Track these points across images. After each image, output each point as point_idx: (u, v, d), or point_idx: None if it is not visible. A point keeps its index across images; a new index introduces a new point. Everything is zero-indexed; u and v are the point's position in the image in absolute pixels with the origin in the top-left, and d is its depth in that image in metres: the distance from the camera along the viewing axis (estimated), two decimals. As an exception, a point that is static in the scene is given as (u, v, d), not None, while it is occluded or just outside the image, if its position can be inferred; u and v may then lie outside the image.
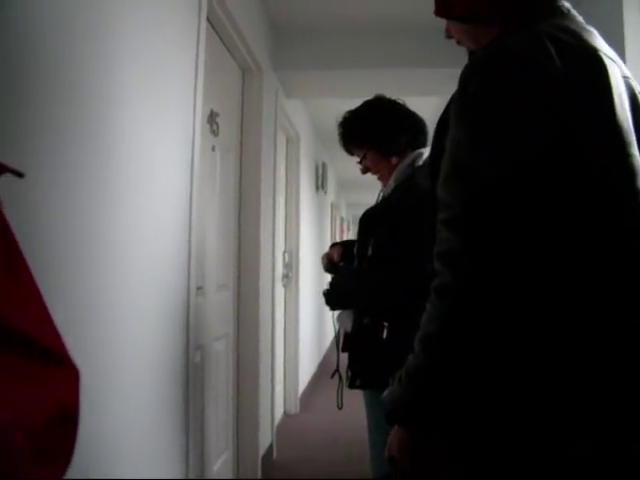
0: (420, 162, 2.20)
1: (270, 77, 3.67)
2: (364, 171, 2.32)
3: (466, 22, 1.24)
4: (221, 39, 2.90)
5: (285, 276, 5.12)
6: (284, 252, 5.11)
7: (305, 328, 5.68)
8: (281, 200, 5.02)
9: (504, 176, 0.99)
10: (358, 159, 2.31)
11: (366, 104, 2.31)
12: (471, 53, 1.25)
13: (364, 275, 2.16)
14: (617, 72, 1.11)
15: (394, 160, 2.22)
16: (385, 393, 1.12)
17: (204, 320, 2.58)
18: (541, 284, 1.00)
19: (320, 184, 6.85)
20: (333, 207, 9.30)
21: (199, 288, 2.52)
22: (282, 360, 5.08)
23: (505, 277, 0.98)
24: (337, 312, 2.27)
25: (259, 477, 3.40)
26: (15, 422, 0.53)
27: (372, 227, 2.16)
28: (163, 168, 2.05)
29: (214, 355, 2.87)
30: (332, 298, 2.23)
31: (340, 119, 2.33)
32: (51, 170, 1.38)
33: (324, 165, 7.04)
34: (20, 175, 0.71)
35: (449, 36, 1.32)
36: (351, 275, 2.25)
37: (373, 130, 2.23)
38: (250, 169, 3.42)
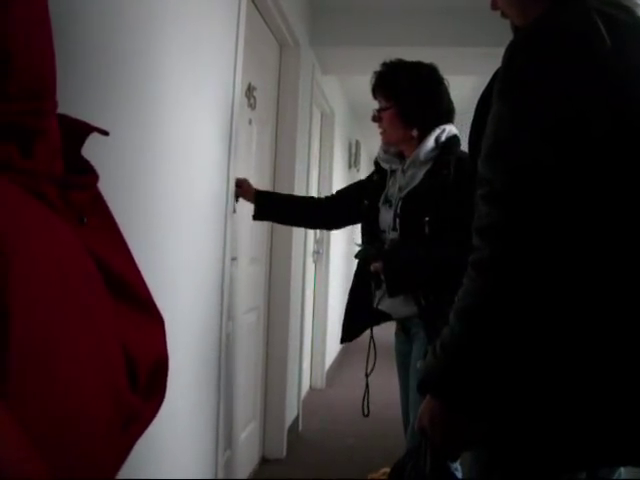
0: (443, 137, 2.15)
1: (307, 53, 3.66)
2: (375, 119, 2.25)
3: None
4: (260, 13, 2.90)
5: (316, 252, 5.13)
6: (315, 227, 5.13)
7: (334, 304, 5.71)
8: (314, 176, 5.03)
9: (545, 154, 0.98)
10: (378, 105, 2.23)
11: (417, 63, 2.21)
12: (516, 29, 1.23)
13: (427, 255, 2.07)
14: None
15: (414, 132, 2.16)
16: (419, 363, 1.13)
17: (237, 291, 2.61)
18: (577, 265, 1.00)
19: (353, 162, 6.83)
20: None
21: (233, 259, 2.56)
22: (310, 335, 5.13)
23: (542, 254, 0.98)
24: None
25: (284, 448, 3.46)
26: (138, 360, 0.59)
27: (427, 204, 2.10)
28: (202, 139, 2.08)
29: (245, 326, 2.92)
30: (394, 284, 2.11)
31: (389, 60, 2.22)
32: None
33: (357, 143, 7.01)
34: (106, 134, 0.74)
35: (495, 7, 1.28)
36: (411, 256, 2.12)
37: (413, 90, 2.14)
38: (285, 144, 3.44)
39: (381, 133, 2.26)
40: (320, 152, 5.21)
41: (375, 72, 2.24)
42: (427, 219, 2.04)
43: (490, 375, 1.03)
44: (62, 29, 1.25)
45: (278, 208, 2.59)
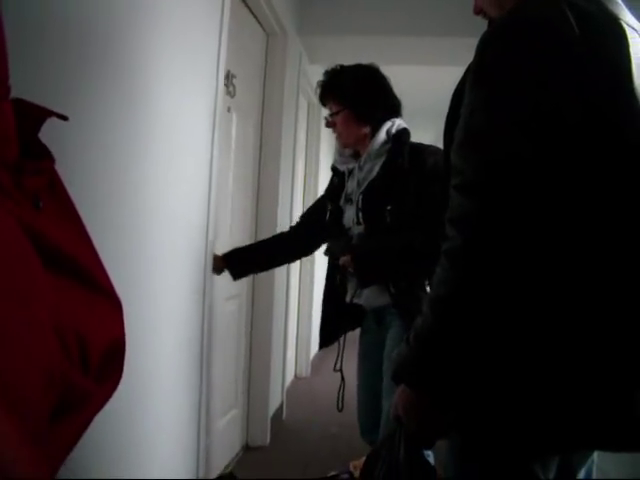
0: (394, 130, 2.21)
1: (294, 42, 3.65)
2: (329, 125, 2.30)
3: None
4: (246, 2, 2.89)
5: (301, 241, 5.12)
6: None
7: (320, 294, 5.71)
8: (300, 165, 5.03)
9: (518, 144, 0.99)
10: (330, 111, 2.28)
11: (359, 65, 2.30)
12: (490, 21, 1.25)
13: (392, 241, 2.11)
14: (639, 42, 1.10)
15: (366, 130, 2.22)
16: (393, 353, 1.15)
17: (219, 278, 2.61)
18: (549, 256, 1.01)
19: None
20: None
21: (215, 246, 2.56)
22: (295, 324, 5.14)
23: (514, 245, 0.99)
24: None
25: (268, 436, 3.48)
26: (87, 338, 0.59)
27: (386, 194, 2.15)
28: (186, 125, 2.08)
29: (228, 314, 2.93)
30: (366, 275, 2.16)
31: (329, 68, 2.30)
32: (78, 118, 1.41)
33: (345, 133, 6.99)
34: (65, 118, 0.74)
35: (478, 12, 1.31)
36: (377, 246, 2.16)
37: (357, 90, 2.22)
38: (271, 132, 3.43)
39: (337, 137, 2.31)
40: (307, 142, 5.21)
41: (319, 82, 2.31)
42: (388, 208, 2.08)
43: (463, 363, 1.05)
44: (35, 13, 1.25)
45: (250, 262, 2.61)
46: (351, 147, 2.29)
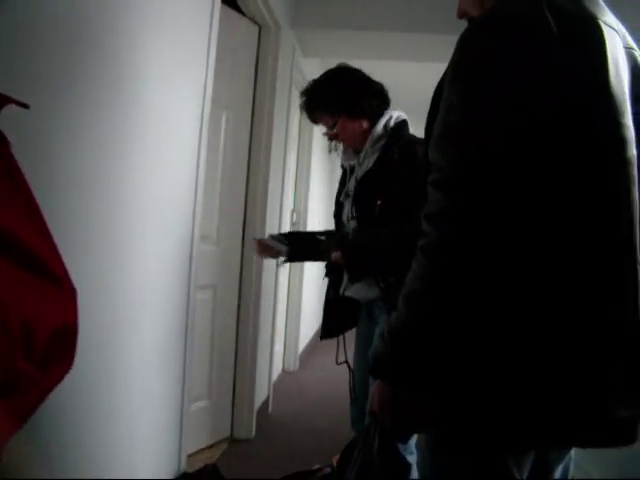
0: (392, 123, 2.23)
1: (287, 35, 3.64)
2: (332, 137, 2.31)
3: None
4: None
5: (292, 236, 5.13)
6: (292, 211, 5.12)
7: (309, 288, 5.72)
8: (292, 159, 5.03)
9: (494, 140, 1.00)
10: (325, 127, 2.30)
11: (329, 71, 2.33)
12: (470, 20, 1.26)
13: (381, 235, 2.11)
14: (617, 41, 1.12)
15: (365, 124, 2.23)
16: (370, 349, 1.15)
17: (207, 268, 2.61)
18: (524, 252, 1.02)
19: (333, 146, 6.81)
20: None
21: (204, 237, 2.56)
22: (284, 318, 5.15)
23: (489, 240, 1.00)
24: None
25: (253, 429, 3.48)
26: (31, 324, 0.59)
27: (377, 188, 2.16)
28: (174, 118, 2.08)
29: (212, 304, 2.93)
30: (355, 269, 2.17)
31: (303, 88, 2.33)
32: (65, 109, 1.41)
33: (338, 127, 6.98)
34: (25, 106, 0.74)
35: (461, 15, 1.32)
36: (365, 241, 2.18)
37: (343, 94, 2.23)
38: (261, 126, 3.41)
39: (344, 145, 2.34)
40: (299, 135, 5.20)
41: (301, 105, 2.33)
42: (378, 202, 2.08)
43: (437, 358, 1.05)
44: (26, 10, 1.24)
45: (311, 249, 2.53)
46: (358, 146, 2.29)
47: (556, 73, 1.02)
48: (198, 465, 2.72)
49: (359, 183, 2.22)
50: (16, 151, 1.08)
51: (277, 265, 2.46)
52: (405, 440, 1.19)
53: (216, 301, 3.18)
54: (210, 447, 3.23)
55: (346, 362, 2.33)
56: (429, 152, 1.11)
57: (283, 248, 2.33)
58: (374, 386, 1.15)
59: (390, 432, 1.14)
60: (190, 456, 2.73)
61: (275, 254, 2.40)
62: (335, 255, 2.20)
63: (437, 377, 1.07)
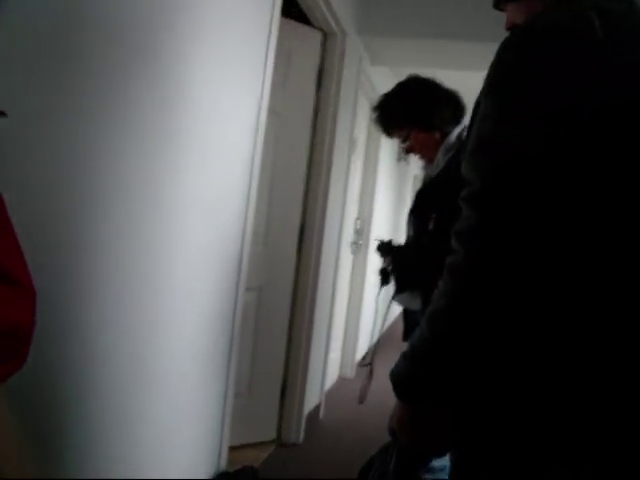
0: (465, 134, 2.17)
1: (354, 42, 3.64)
2: (407, 151, 2.30)
3: (512, 0, 1.21)
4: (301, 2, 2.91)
5: (354, 243, 5.13)
6: (356, 219, 5.12)
7: (370, 296, 5.69)
8: (358, 166, 5.02)
9: (526, 152, 0.95)
10: (400, 140, 2.29)
11: (401, 84, 2.31)
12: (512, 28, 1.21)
13: (430, 251, 2.11)
14: None
15: (437, 135, 2.20)
16: (393, 367, 1.13)
17: (252, 269, 2.63)
18: (552, 273, 0.97)
19: (403, 155, 6.77)
20: (416, 180, 9.18)
21: (256, 237, 2.59)
22: (343, 325, 5.14)
23: (516, 261, 0.96)
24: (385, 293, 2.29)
25: (301, 434, 3.49)
26: None
27: (433, 201, 2.14)
28: (230, 124, 2.12)
29: (256, 304, 2.99)
30: (398, 279, 2.19)
31: (375, 103, 2.32)
32: (127, 116, 1.48)
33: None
34: (3, 115, 0.76)
35: (510, 27, 1.28)
36: (414, 253, 2.18)
37: (414, 106, 2.21)
38: (323, 132, 3.42)
39: (420, 157, 2.31)
40: (367, 143, 5.19)
41: (374, 119, 2.32)
42: (433, 215, 2.05)
43: (457, 378, 1.02)
44: (87, 13, 1.30)
45: None
46: (434, 157, 2.27)
47: (601, 79, 0.96)
48: (239, 464, 2.74)
49: (418, 194, 2.21)
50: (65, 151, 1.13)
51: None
52: (422, 462, 1.16)
53: (261, 302, 3.21)
54: (255, 447, 3.25)
55: (369, 364, 2.34)
56: (462, 167, 1.08)
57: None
58: (395, 404, 1.13)
59: (408, 452, 1.12)
60: (233, 449, 2.74)
61: None
62: (385, 261, 2.23)
63: (457, 397, 1.04)
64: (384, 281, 2.33)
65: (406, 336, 2.43)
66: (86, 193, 1.43)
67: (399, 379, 1.08)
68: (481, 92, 1.13)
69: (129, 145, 1.55)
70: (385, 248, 2.34)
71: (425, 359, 1.03)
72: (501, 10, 1.30)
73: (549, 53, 0.99)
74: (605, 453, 1.01)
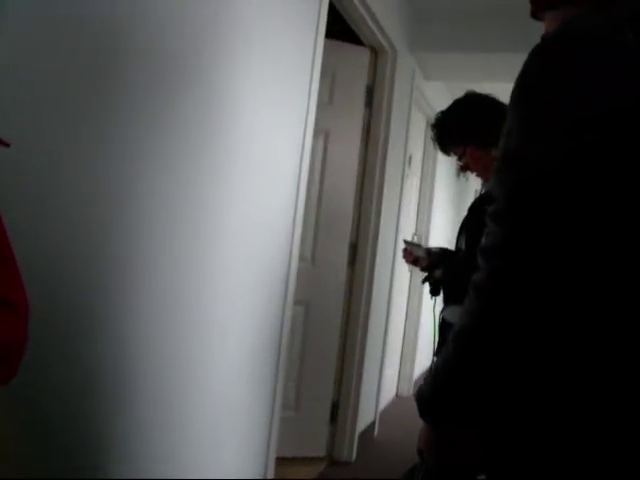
0: None
1: (405, 58, 3.64)
2: (464, 168, 2.28)
3: (549, 8, 1.18)
4: (349, 20, 2.94)
5: (411, 259, 5.08)
6: (413, 234, 5.09)
7: (428, 313, 5.64)
8: (415, 182, 5.00)
9: (549, 167, 0.92)
10: (457, 158, 2.28)
11: (457, 101, 2.29)
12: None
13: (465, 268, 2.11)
14: None
15: (494, 153, 2.16)
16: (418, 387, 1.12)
17: (305, 285, 2.66)
18: (576, 291, 0.95)
19: (462, 171, 6.69)
20: (477, 195, 9.04)
21: (303, 257, 2.62)
22: (400, 343, 5.09)
23: (539, 279, 0.93)
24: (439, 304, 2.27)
25: (354, 452, 3.47)
26: None
27: (484, 219, 2.12)
28: (276, 143, 2.17)
29: (304, 318, 3.03)
30: (446, 292, 2.20)
31: (433, 121, 2.32)
32: (174, 148, 1.56)
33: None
34: (6, 145, 0.78)
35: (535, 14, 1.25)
36: (462, 267, 2.19)
37: (469, 123, 2.19)
38: (375, 149, 3.42)
39: (477, 175, 2.31)
40: (423, 159, 5.16)
41: (432, 137, 2.31)
42: (485, 230, 2.05)
43: (481, 399, 1.00)
44: (136, 32, 1.36)
45: None
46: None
47: (631, 86, 0.93)
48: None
49: (469, 211, 2.20)
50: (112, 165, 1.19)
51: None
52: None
53: (308, 316, 3.24)
54: (305, 464, 3.26)
55: None
56: (489, 182, 1.06)
57: (422, 255, 2.34)
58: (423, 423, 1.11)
59: (434, 472, 1.10)
60: (283, 465, 2.75)
61: (413, 261, 2.40)
62: (436, 273, 2.24)
63: (481, 417, 1.02)
64: (433, 291, 2.33)
65: (439, 350, 2.39)
66: (140, 213, 1.52)
67: (422, 399, 1.06)
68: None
69: (178, 165, 1.61)
70: (437, 258, 2.33)
71: (448, 379, 1.02)
72: (539, 19, 1.27)
73: (575, 61, 0.96)
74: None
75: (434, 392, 1.04)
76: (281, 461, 2.67)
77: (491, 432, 1.03)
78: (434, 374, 1.04)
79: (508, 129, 1.02)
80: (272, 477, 2.44)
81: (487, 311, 0.97)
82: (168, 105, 1.55)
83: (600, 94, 0.93)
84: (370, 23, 2.99)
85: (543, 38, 1.18)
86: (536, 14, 1.26)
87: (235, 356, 2.04)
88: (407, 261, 2.44)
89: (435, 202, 5.45)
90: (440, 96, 5.03)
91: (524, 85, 1.01)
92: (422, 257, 2.34)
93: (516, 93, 1.03)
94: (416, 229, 5.19)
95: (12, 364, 0.73)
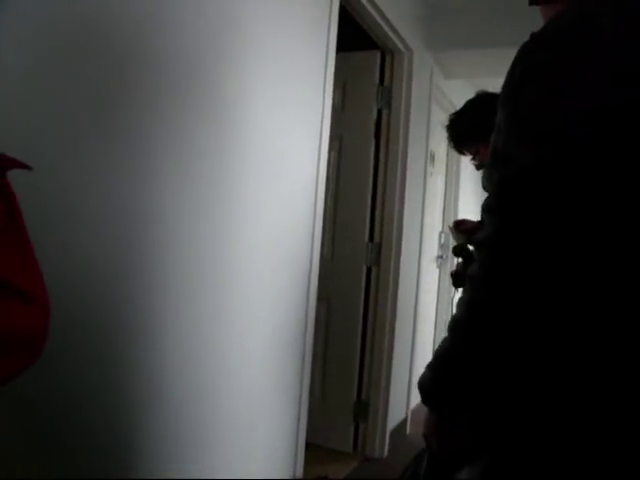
0: None
1: (422, 58, 3.66)
2: (478, 167, 2.29)
3: (542, 3, 1.20)
4: (361, 22, 2.99)
5: (440, 257, 5.08)
6: (440, 232, 5.08)
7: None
8: (439, 180, 5.00)
9: (532, 164, 0.95)
10: (471, 157, 2.28)
11: (469, 101, 2.29)
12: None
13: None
14: None
15: None
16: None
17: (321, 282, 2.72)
18: (565, 282, 0.98)
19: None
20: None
21: (325, 257, 2.69)
22: (430, 339, 5.10)
23: (528, 270, 0.97)
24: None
25: (386, 449, 3.51)
26: None
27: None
28: (292, 153, 2.24)
29: (326, 314, 3.11)
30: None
31: (446, 122, 2.33)
32: (195, 154, 1.67)
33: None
34: (29, 168, 0.79)
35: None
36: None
37: (479, 122, 2.19)
38: (395, 149, 3.47)
39: None
40: (447, 156, 5.16)
41: (448, 137, 2.31)
42: None
43: (479, 385, 1.04)
44: (145, 34, 1.44)
45: None
46: None
47: (608, 80, 0.95)
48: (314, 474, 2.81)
49: (483, 210, 2.23)
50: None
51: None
52: (453, 467, 1.17)
53: (330, 312, 3.37)
54: (335, 460, 3.33)
55: None
56: (482, 177, 1.10)
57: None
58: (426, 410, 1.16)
59: (437, 457, 1.15)
60: (312, 463, 2.80)
61: (469, 229, 2.42)
62: (458, 265, 2.25)
63: (479, 402, 1.06)
64: (456, 284, 2.33)
65: None
66: (169, 221, 1.61)
67: (423, 386, 1.11)
68: None
69: (206, 179, 1.71)
70: (459, 251, 2.33)
71: (446, 366, 1.06)
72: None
73: (554, 60, 0.98)
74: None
75: (433, 378, 1.08)
76: (309, 446, 2.74)
77: (488, 417, 1.07)
78: (434, 362, 1.08)
79: (497, 126, 1.06)
80: (302, 457, 2.50)
81: (479, 301, 1.01)
82: (185, 112, 1.63)
83: (582, 90, 0.95)
84: (383, 25, 3.03)
85: (531, 35, 1.22)
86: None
87: (265, 347, 2.13)
88: (461, 230, 2.37)
89: (461, 199, 5.45)
90: (463, 93, 5.02)
91: (511, 82, 1.04)
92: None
93: (504, 89, 1.06)
94: (442, 227, 5.19)
95: (29, 353, 0.76)
